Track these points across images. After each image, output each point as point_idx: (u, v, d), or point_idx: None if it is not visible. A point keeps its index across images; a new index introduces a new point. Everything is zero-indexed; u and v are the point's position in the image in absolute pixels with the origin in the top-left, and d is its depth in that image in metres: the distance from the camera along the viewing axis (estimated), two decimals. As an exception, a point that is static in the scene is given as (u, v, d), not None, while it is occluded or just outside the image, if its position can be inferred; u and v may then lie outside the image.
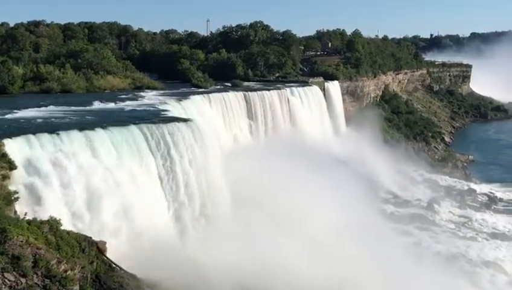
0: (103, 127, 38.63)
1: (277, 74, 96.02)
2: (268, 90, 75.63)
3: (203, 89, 72.70)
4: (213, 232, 39.87)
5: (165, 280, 31.39)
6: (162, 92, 67.84)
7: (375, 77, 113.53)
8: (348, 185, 51.62)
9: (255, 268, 34.71)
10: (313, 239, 39.69)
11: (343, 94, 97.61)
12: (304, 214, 42.30)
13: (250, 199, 43.38)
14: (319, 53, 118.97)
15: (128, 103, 56.07)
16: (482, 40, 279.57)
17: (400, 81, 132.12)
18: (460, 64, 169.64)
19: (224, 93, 67.65)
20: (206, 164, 42.79)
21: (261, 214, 41.20)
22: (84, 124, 39.75)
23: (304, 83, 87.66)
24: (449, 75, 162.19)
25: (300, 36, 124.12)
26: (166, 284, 31.26)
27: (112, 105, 53.57)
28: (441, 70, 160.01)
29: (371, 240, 43.16)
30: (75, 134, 36.30)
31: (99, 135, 37.48)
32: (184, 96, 61.36)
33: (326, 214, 43.11)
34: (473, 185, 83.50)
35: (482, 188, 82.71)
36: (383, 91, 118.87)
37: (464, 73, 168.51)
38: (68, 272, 25.74)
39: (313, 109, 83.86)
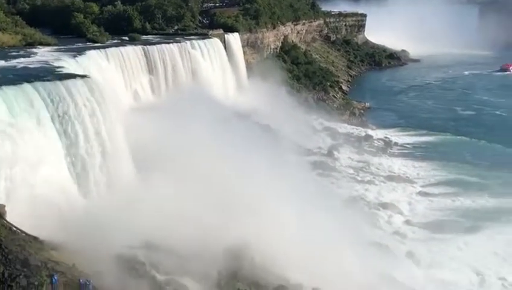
0: (-6, 87, 36.58)
1: (176, 27, 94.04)
2: (168, 43, 74.10)
3: (99, 44, 70.08)
4: (116, 194, 39.32)
5: (69, 242, 30.83)
6: (55, 48, 64.66)
7: (274, 28, 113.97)
8: (252, 137, 52.17)
9: (160, 224, 34.78)
10: (220, 192, 40.07)
11: (243, 46, 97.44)
12: (208, 170, 42.43)
13: (153, 160, 42.91)
14: (218, 5, 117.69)
15: (20, 60, 53.00)
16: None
17: (298, 32, 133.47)
18: (356, 14, 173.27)
19: (122, 48, 65.52)
20: (106, 122, 41.63)
21: (165, 174, 40.92)
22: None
23: (204, 36, 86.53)
24: (345, 25, 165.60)
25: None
26: (70, 246, 30.73)
27: (1, 63, 50.68)
28: (338, 20, 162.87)
29: (275, 188, 44.04)
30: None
31: (-10, 96, 35.50)
32: (79, 51, 58.78)
33: (231, 169, 43.49)
34: (369, 131, 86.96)
35: (378, 133, 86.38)
36: (282, 42, 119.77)
37: (359, 22, 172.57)
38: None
39: (214, 62, 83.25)
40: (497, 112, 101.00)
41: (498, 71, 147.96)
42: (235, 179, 42.20)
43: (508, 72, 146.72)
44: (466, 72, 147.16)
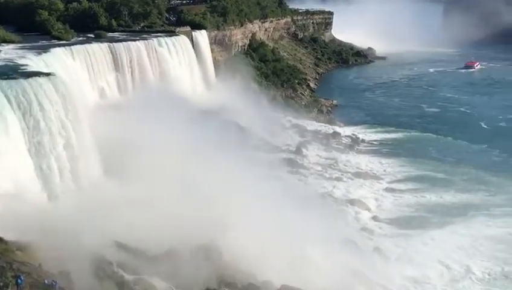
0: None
1: (142, 24, 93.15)
2: (135, 40, 73.46)
3: (64, 42, 69.09)
4: (83, 193, 38.88)
5: (35, 242, 30.37)
6: (20, 45, 63.51)
7: (242, 25, 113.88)
8: (220, 134, 52.09)
9: (129, 224, 34.51)
10: (188, 191, 39.90)
11: (211, 43, 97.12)
12: (176, 169, 42.23)
13: (120, 158, 42.51)
14: (185, 2, 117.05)
15: (-17, 58, 52.13)
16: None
17: (266, 30, 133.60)
18: (323, 12, 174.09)
19: (87, 45, 64.79)
20: (71, 120, 41.09)
21: (132, 173, 40.60)
22: None
23: (171, 33, 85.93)
24: (312, 23, 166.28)
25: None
26: (36, 247, 30.28)
27: (-36, 61, 49.59)
28: (305, 18, 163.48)
29: (244, 185, 44.05)
30: None
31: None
32: (44, 49, 58.01)
33: (200, 167, 43.40)
34: (337, 129, 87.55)
35: (346, 130, 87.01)
36: (250, 40, 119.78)
37: (326, 20, 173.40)
38: None
39: (181, 60, 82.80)
40: (462, 109, 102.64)
41: (462, 68, 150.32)
42: (203, 177, 42.13)
43: (472, 69, 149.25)
44: (431, 70, 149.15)
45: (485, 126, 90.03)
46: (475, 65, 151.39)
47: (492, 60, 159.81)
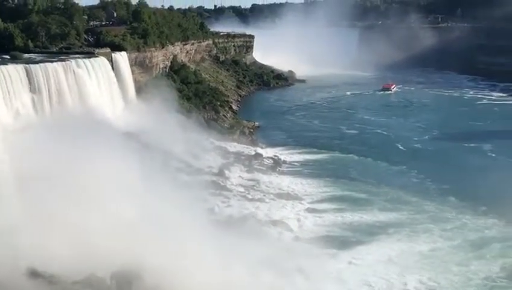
0: None
1: (60, 45, 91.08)
2: (52, 62, 71.54)
3: (-23, 63, 66.41)
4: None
5: None
6: None
7: (163, 47, 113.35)
8: (140, 157, 51.21)
9: (44, 250, 33.22)
10: (105, 216, 38.83)
11: (131, 65, 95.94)
12: (93, 192, 41.00)
13: (34, 182, 40.85)
14: (104, 23, 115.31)
15: None
16: (262, 11, 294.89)
17: (187, 52, 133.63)
18: (244, 35, 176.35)
19: (2, 66, 62.50)
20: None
21: (46, 197, 39.08)
22: None
23: (90, 54, 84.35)
24: (234, 46, 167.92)
25: (84, 5, 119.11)
26: None
27: None
28: (226, 40, 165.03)
29: (166, 208, 43.37)
30: None
31: None
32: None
33: (118, 190, 42.35)
34: (259, 150, 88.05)
35: (268, 152, 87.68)
36: (171, 62, 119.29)
37: (247, 43, 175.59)
38: None
39: (101, 81, 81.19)
40: (379, 131, 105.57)
41: (380, 91, 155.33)
42: (121, 201, 41.12)
43: (389, 91, 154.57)
44: (348, 93, 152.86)
45: (402, 148, 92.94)
46: (391, 87, 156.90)
47: (408, 82, 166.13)
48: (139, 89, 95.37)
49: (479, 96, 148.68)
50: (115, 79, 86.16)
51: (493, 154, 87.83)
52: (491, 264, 50.37)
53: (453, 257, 52.01)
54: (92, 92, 76.26)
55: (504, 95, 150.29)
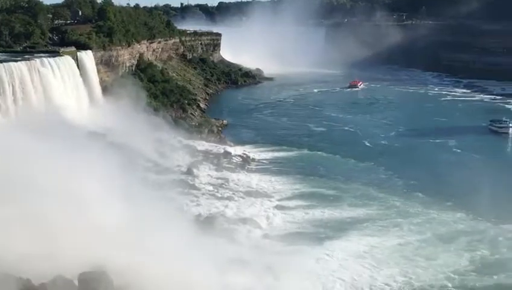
0: None
1: (25, 44, 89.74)
2: (16, 61, 70.48)
3: None
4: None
5: None
6: None
7: (129, 46, 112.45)
8: (108, 157, 50.55)
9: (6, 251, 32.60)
10: (70, 216, 38.22)
11: (97, 64, 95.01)
12: (57, 193, 40.30)
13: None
14: (69, 22, 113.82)
15: None
16: (229, 10, 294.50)
17: (154, 50, 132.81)
18: (211, 33, 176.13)
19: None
20: None
21: (9, 199, 38.24)
22: None
23: (55, 53, 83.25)
24: (201, 44, 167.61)
25: (48, 4, 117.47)
26: None
27: None
28: (193, 39, 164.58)
29: (134, 208, 42.92)
30: None
31: None
32: None
33: (84, 189, 41.72)
34: (228, 148, 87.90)
35: (237, 150, 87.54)
36: (138, 60, 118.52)
37: (215, 41, 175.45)
38: None
39: (66, 81, 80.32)
40: (346, 128, 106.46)
41: (347, 88, 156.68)
42: (85, 201, 40.49)
43: (356, 88, 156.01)
44: (316, 90, 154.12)
45: (369, 144, 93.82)
46: (358, 84, 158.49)
47: (374, 80, 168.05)
48: (105, 88, 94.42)
49: (444, 92, 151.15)
50: (80, 78, 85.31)
51: (458, 150, 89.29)
52: (459, 258, 51.25)
53: (422, 251, 52.78)
54: (57, 92, 75.38)
55: (468, 91, 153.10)
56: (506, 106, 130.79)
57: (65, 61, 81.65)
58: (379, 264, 50.08)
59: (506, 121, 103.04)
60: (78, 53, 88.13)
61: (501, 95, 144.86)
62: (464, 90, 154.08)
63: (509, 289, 46.62)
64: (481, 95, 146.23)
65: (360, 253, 52.20)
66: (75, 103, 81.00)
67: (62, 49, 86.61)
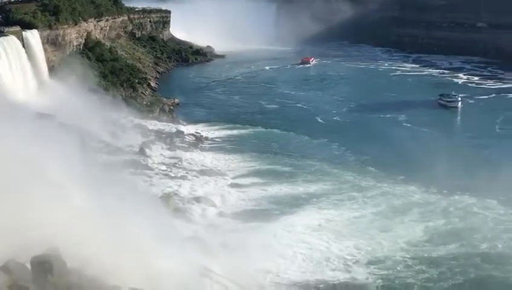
0: None
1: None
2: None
3: None
4: None
5: None
6: None
7: (76, 24, 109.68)
8: (56, 138, 49.18)
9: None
10: (17, 199, 37.08)
11: (43, 43, 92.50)
12: (5, 175, 39.03)
13: None
14: (13, 0, 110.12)
15: None
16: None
17: (102, 28, 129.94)
18: (160, 10, 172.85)
19: None
20: None
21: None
22: None
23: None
24: (150, 21, 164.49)
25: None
26: None
27: None
28: (142, 16, 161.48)
29: (85, 189, 41.99)
30: None
31: None
32: None
33: (30, 172, 40.49)
34: (180, 127, 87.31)
35: (189, 129, 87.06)
36: (85, 39, 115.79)
37: (164, 19, 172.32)
38: None
39: (12, 61, 78.07)
40: (299, 105, 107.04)
41: (298, 64, 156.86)
42: (34, 184, 39.33)
43: (308, 65, 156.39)
44: (267, 67, 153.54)
45: (322, 121, 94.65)
46: (310, 60, 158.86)
47: (326, 56, 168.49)
48: (52, 68, 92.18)
49: (393, 68, 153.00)
50: (26, 58, 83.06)
51: (408, 124, 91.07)
52: (413, 229, 52.44)
53: (377, 223, 53.94)
54: (2, 73, 73.11)
55: (416, 66, 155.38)
56: (454, 79, 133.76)
57: (10, 42, 79.40)
58: (336, 236, 50.79)
59: (455, 95, 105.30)
60: (24, 33, 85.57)
61: (449, 69, 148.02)
62: (413, 65, 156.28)
63: (462, 258, 47.98)
64: (430, 70, 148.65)
65: (316, 227, 52.84)
66: (21, 84, 78.80)
67: (6, 29, 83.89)
